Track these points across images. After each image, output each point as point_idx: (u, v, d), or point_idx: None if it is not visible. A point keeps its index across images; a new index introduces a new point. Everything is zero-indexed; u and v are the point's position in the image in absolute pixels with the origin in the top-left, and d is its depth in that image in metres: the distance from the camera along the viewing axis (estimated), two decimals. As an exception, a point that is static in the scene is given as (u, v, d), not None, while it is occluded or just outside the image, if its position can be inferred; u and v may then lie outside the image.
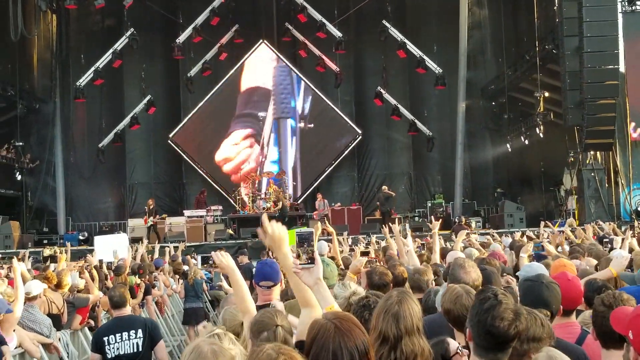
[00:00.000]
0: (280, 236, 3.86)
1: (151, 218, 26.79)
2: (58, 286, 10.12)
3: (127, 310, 7.52)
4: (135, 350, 7.21)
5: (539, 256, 8.08)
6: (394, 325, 3.73)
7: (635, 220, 21.92)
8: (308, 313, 3.81)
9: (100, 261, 13.58)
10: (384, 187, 28.96)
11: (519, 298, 4.81)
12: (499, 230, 22.38)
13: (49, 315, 9.24)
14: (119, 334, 7.20)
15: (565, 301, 4.70)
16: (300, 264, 3.84)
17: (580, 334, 4.60)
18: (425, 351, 3.68)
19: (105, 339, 7.21)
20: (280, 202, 26.63)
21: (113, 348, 7.17)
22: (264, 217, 3.95)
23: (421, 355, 3.67)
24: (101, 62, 29.97)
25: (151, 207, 27.35)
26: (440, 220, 10.65)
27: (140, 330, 7.26)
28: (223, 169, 31.56)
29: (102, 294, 11.09)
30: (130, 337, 7.21)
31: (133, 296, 11.35)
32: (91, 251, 19.27)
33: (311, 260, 3.83)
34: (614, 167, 26.85)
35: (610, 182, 26.67)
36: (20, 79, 29.23)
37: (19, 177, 28.69)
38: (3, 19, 26.76)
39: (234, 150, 31.62)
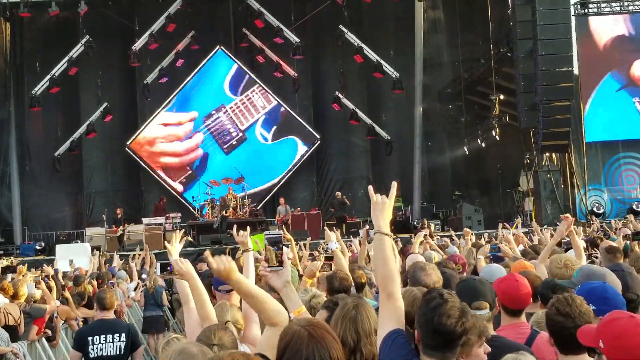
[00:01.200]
0: (226, 269, 3.77)
1: (121, 227, 26.74)
2: (14, 297, 10.00)
3: (111, 314, 7.79)
4: (117, 353, 7.47)
5: (496, 257, 8.16)
6: (353, 329, 3.79)
7: (592, 220, 22.22)
8: (273, 332, 3.74)
9: (56, 271, 13.41)
10: (337, 193, 29.09)
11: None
12: (458, 233, 22.51)
13: (5, 326, 9.11)
14: (104, 336, 7.46)
15: (513, 301, 4.78)
16: (268, 267, 3.86)
17: (530, 334, 4.67)
18: None
19: (90, 338, 7.45)
20: (226, 210, 26.64)
21: (96, 348, 7.41)
22: (207, 254, 3.93)
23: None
24: (57, 70, 29.58)
25: (119, 216, 27.28)
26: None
27: (124, 335, 7.53)
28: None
29: (59, 303, 10.97)
30: (115, 340, 7.47)
31: (91, 305, 11.25)
32: (49, 261, 19.03)
33: (280, 263, 3.85)
34: (569, 168, 27.28)
35: (566, 184, 27.10)
36: (-27, 87, 28.80)
37: (-27, 187, 28.22)
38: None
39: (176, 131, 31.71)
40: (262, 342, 3.77)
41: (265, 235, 4.16)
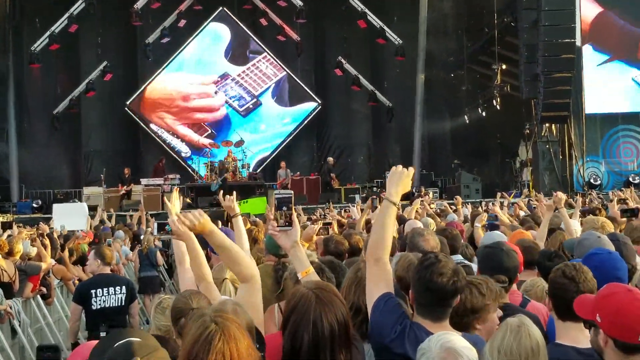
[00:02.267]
0: (200, 224, 3.68)
1: (126, 187, 26.99)
2: (9, 254, 10.00)
3: (108, 269, 8.23)
4: (119, 304, 7.99)
5: (492, 226, 8.16)
6: (364, 296, 3.80)
7: (590, 192, 22.23)
8: (246, 289, 3.78)
9: (52, 229, 13.42)
10: (329, 158, 29.11)
11: (477, 265, 4.88)
12: (449, 201, 22.56)
13: (0, 283, 9.13)
14: (106, 289, 7.97)
15: None
16: (277, 227, 3.88)
17: (522, 301, 4.68)
18: None
19: (93, 291, 7.94)
20: (225, 173, 26.70)
21: (99, 300, 7.92)
22: (171, 220, 3.82)
23: None
24: (56, 27, 29.32)
25: (127, 175, 27.43)
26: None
27: (124, 287, 8.07)
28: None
29: (54, 261, 10.98)
30: (116, 292, 8.00)
31: (84, 263, 11.29)
32: (45, 219, 19.03)
33: (289, 223, 3.84)
34: (568, 139, 27.24)
35: (565, 155, 27.09)
36: (-28, 42, 28.62)
37: (-29, 144, 28.09)
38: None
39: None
40: (239, 300, 3.72)
41: (275, 194, 4.18)
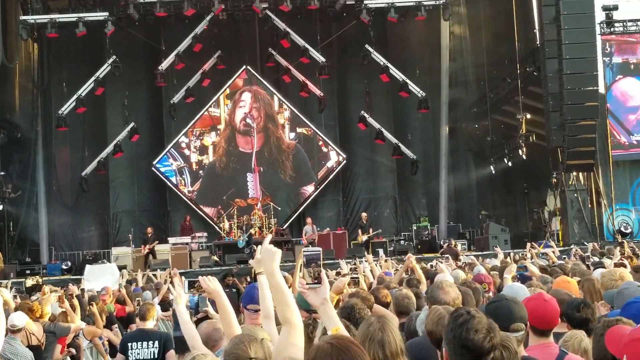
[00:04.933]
0: (272, 251, 3.92)
1: (148, 245, 27.02)
2: (39, 316, 10.00)
3: (149, 324, 9.08)
4: (152, 357, 8.74)
5: (523, 277, 8.06)
6: (380, 351, 3.81)
7: (625, 242, 21.89)
8: (287, 331, 3.79)
9: (82, 290, 13.43)
10: (363, 214, 29.05)
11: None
12: (484, 253, 22.38)
13: (29, 346, 9.11)
14: (141, 342, 8.80)
15: (542, 321, 4.65)
16: (307, 284, 3.86)
17: (559, 354, 4.56)
18: None
19: (130, 344, 8.83)
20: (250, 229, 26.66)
21: (135, 352, 8.75)
22: (267, 240, 4.07)
23: None
24: (83, 90, 29.73)
25: (149, 235, 27.52)
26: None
27: (157, 342, 8.83)
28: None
29: (84, 323, 10.96)
30: (149, 347, 8.79)
31: (112, 322, 11.34)
32: (75, 281, 19.08)
33: (318, 280, 3.83)
34: (596, 187, 27.00)
35: (593, 203, 26.81)
36: (1, 108, 29.13)
37: (0, 207, 28.33)
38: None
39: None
40: (280, 341, 3.82)
41: (303, 252, 4.20)
